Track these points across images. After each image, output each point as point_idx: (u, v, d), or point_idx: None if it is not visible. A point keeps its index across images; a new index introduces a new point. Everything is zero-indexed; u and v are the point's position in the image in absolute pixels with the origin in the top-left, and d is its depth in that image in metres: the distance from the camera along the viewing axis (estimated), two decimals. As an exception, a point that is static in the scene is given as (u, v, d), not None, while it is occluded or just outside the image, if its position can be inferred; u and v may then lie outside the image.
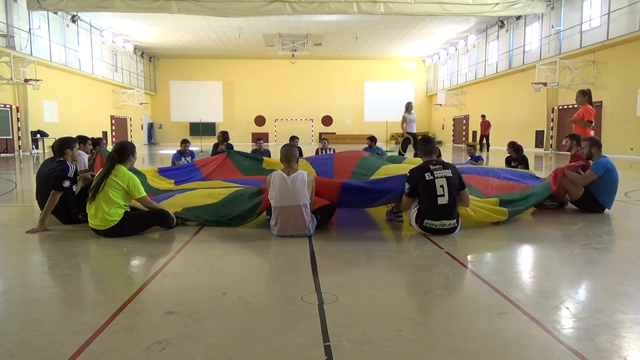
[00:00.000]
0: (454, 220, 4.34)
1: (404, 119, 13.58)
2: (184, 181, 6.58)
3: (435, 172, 4.32)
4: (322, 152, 10.72)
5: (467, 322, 2.44)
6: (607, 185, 5.51)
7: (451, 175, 4.34)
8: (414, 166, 4.63)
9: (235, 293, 2.88)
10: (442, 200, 4.26)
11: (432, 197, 4.27)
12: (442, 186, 4.27)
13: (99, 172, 4.49)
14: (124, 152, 4.51)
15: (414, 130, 13.72)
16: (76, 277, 3.37)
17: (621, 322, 2.44)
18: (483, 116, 23.93)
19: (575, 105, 7.85)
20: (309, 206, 4.31)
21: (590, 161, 5.72)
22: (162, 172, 6.84)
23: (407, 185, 4.42)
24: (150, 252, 3.96)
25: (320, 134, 36.82)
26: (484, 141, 23.39)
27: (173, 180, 6.56)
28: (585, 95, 7.77)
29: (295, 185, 4.25)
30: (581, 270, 3.45)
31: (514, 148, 8.00)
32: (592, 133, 7.50)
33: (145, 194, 4.52)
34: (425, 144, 4.67)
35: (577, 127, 7.78)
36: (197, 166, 7.26)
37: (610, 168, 5.54)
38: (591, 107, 7.69)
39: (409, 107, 13.76)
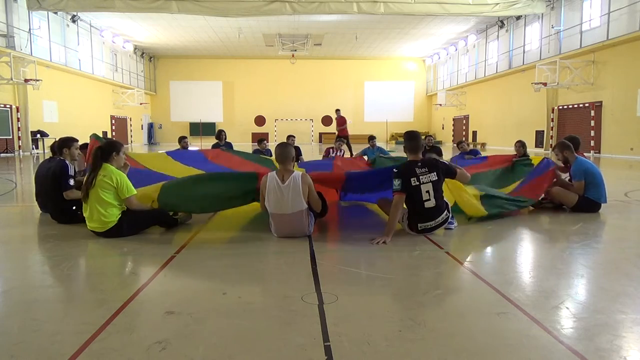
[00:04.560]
0: (444, 213, 4.28)
1: None
2: (189, 164, 6.39)
3: (421, 177, 4.17)
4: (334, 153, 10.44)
5: (467, 322, 2.44)
6: (593, 182, 5.51)
7: (437, 178, 4.21)
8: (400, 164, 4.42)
9: (235, 293, 2.88)
10: (429, 204, 4.20)
11: (419, 202, 4.20)
12: (427, 191, 4.18)
13: (87, 174, 4.42)
14: (107, 149, 4.39)
15: None
16: (76, 277, 3.37)
17: (621, 322, 2.44)
18: (337, 110, 17.34)
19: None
20: (306, 210, 4.20)
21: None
22: (169, 153, 6.76)
23: (396, 182, 4.16)
24: (150, 252, 3.96)
25: (320, 134, 36.84)
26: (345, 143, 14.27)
27: (179, 162, 6.37)
28: None
29: (290, 195, 4.11)
30: (581, 270, 3.45)
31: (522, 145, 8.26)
32: None
33: (135, 192, 4.38)
34: (411, 140, 4.35)
35: None
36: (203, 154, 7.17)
37: (588, 166, 5.57)
38: None
39: None
